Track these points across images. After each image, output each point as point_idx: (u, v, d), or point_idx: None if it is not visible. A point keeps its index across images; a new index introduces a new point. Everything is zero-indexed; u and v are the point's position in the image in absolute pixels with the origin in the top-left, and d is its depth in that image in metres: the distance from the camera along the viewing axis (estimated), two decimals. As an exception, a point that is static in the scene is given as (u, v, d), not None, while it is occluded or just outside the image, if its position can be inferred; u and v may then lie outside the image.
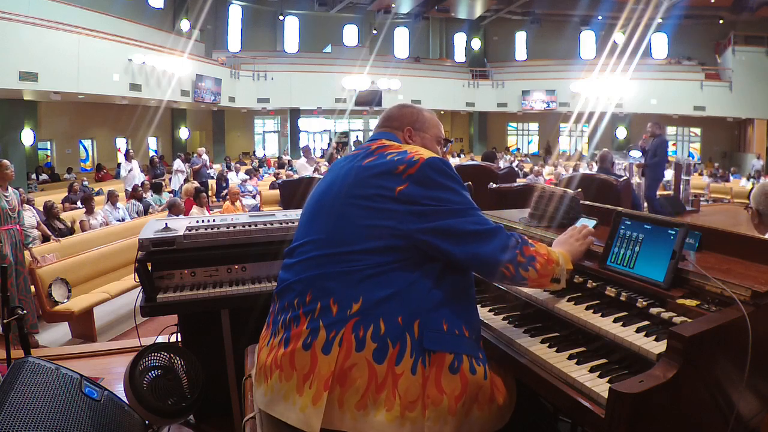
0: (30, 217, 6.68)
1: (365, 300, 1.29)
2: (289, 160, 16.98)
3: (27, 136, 12.89)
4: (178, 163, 13.15)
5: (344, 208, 1.39)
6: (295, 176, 8.87)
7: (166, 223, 2.39)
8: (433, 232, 1.33)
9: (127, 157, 11.70)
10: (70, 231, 7.34)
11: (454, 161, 18.08)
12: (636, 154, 10.26)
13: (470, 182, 3.96)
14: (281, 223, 2.41)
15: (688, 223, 1.57)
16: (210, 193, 12.62)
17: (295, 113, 21.53)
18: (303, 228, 1.49)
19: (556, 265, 1.50)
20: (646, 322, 1.38)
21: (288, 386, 1.30)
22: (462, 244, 1.35)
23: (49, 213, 7.32)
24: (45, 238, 6.40)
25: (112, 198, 8.34)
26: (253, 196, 11.91)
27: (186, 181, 12.60)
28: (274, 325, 1.40)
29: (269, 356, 1.36)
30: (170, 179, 13.08)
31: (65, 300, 4.79)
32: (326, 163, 14.92)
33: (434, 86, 21.47)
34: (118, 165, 14.58)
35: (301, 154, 10.48)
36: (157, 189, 10.62)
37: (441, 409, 1.28)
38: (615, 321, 1.42)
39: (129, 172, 11.15)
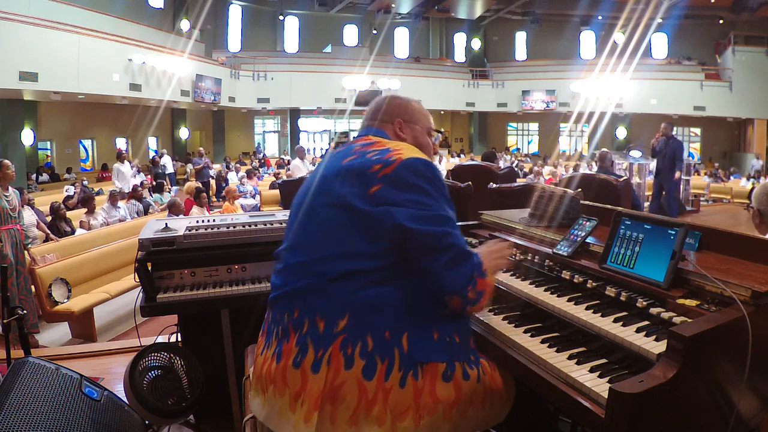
0: (29, 216, 6.68)
1: (351, 316, 1.26)
2: (288, 161, 16.97)
3: (27, 136, 12.89)
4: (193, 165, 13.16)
5: (319, 210, 1.37)
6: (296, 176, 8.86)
7: (166, 223, 2.39)
8: (401, 231, 1.28)
9: (120, 158, 11.64)
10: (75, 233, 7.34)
11: (453, 161, 18.08)
12: (636, 154, 10.23)
13: (470, 182, 3.98)
14: (281, 223, 2.41)
15: (688, 223, 1.57)
16: (210, 193, 12.62)
17: (295, 113, 21.53)
18: (287, 231, 1.48)
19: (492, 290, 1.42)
20: (646, 322, 1.38)
21: (282, 402, 1.30)
22: (423, 254, 1.29)
23: (56, 214, 7.31)
24: (45, 238, 6.40)
25: (112, 199, 8.33)
26: (252, 196, 11.90)
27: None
28: (269, 335, 1.39)
29: (264, 366, 1.36)
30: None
31: (65, 300, 4.78)
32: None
33: (434, 86, 21.45)
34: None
35: (296, 155, 10.48)
36: (159, 189, 10.61)
37: (436, 417, 1.28)
38: (615, 321, 1.42)
39: (120, 173, 11.11)
